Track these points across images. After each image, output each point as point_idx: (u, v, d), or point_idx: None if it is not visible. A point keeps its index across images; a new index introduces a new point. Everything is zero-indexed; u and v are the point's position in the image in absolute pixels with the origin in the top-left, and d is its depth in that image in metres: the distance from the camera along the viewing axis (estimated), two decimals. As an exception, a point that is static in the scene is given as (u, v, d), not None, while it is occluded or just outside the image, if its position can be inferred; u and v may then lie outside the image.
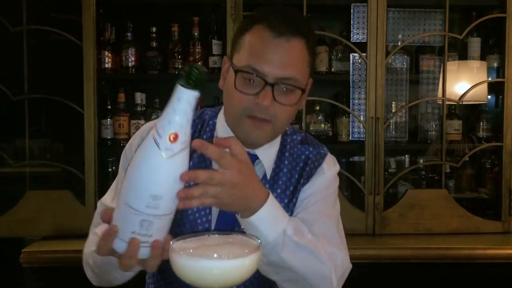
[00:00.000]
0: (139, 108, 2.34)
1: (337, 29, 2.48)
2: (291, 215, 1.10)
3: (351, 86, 2.43)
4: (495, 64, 2.36)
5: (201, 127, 1.18)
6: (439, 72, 2.36)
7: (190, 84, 0.77)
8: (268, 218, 0.94)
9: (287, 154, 1.16)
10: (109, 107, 2.35)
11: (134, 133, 2.30)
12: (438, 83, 2.36)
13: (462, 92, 2.27)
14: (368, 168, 2.23)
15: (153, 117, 2.33)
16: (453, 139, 2.37)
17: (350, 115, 2.37)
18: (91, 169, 2.18)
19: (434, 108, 2.45)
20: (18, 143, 2.38)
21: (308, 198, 1.13)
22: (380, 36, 2.20)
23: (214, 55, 2.32)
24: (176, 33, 2.33)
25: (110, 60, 2.30)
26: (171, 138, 0.77)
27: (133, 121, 2.32)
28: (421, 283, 2.12)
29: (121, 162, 1.19)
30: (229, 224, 1.07)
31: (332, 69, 2.38)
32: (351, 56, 2.38)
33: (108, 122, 2.32)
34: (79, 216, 2.12)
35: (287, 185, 1.13)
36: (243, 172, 0.88)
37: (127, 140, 2.30)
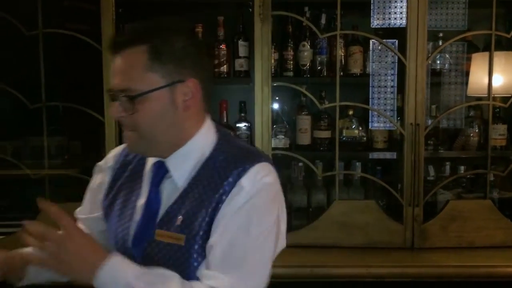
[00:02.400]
0: (161, 114, 2.21)
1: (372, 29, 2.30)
2: (207, 237, 1.03)
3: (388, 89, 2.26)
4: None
5: None
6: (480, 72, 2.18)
7: None
8: (107, 281, 0.95)
9: (206, 169, 1.08)
10: (130, 113, 2.23)
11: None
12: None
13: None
14: (407, 178, 2.08)
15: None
16: (498, 145, 2.20)
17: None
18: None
19: (476, 111, 2.27)
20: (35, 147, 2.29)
21: (224, 217, 1.03)
22: (421, 36, 2.03)
23: (240, 57, 2.18)
24: (200, 34, 2.19)
25: (130, 64, 2.17)
26: None
27: (155, 128, 2.19)
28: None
29: (94, 178, 1.26)
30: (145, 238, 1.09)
31: (367, 71, 2.22)
32: (387, 57, 2.21)
33: (130, 129, 2.20)
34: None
35: (203, 200, 1.05)
36: (68, 248, 0.93)
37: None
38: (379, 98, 2.19)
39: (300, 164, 2.24)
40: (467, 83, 2.23)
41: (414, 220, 2.10)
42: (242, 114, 2.22)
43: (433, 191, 2.14)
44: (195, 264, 1.03)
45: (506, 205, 2.23)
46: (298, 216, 2.27)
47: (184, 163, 1.09)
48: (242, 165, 1.06)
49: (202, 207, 1.04)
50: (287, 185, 2.34)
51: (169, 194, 1.10)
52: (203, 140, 1.11)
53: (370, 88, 2.16)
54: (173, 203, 1.08)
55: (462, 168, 2.20)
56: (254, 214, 1.03)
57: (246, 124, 2.21)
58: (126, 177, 1.19)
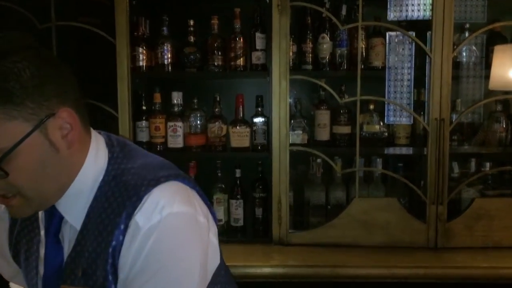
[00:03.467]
0: (176, 109, 2.15)
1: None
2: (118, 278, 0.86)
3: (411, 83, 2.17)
4: None
5: None
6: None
7: None
8: None
9: (98, 202, 0.88)
10: (144, 108, 2.18)
11: (171, 135, 2.15)
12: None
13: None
14: (431, 174, 2.00)
15: (191, 118, 2.15)
16: (526, 141, 2.10)
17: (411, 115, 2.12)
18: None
19: (505, 105, 2.18)
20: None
21: (128, 267, 0.84)
22: (447, 28, 1.94)
23: (257, 49, 2.11)
24: (215, 26, 2.13)
25: (144, 57, 2.12)
26: None
27: (170, 123, 2.14)
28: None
29: None
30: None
31: (389, 64, 2.13)
32: (411, 49, 2.12)
33: (144, 125, 2.15)
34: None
35: (99, 243, 0.86)
36: None
37: (164, 144, 2.16)
38: (395, 92, 2.10)
39: (319, 160, 2.17)
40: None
41: (437, 218, 2.02)
42: (259, 109, 2.15)
43: (458, 189, 2.05)
44: None
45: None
46: (316, 213, 2.21)
47: (76, 203, 0.89)
48: (136, 194, 0.85)
49: (101, 251, 0.85)
50: (304, 182, 2.27)
51: (71, 240, 0.91)
52: (92, 169, 0.89)
53: (387, 81, 2.09)
54: (71, 251, 0.90)
55: (488, 164, 2.11)
56: (163, 260, 0.82)
57: (263, 119, 2.14)
58: (21, 222, 0.99)
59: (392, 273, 1.89)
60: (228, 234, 2.16)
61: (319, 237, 2.06)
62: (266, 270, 1.89)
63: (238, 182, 2.19)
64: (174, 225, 0.84)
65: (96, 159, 0.90)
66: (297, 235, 2.07)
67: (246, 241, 2.11)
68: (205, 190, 0.96)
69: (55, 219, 0.92)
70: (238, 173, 2.19)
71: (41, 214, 0.96)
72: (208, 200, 0.98)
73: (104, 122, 2.07)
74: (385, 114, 2.09)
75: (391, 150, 2.19)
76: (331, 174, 2.22)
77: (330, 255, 1.98)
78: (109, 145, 0.94)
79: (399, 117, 2.09)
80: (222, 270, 1.03)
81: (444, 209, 2.02)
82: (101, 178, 0.90)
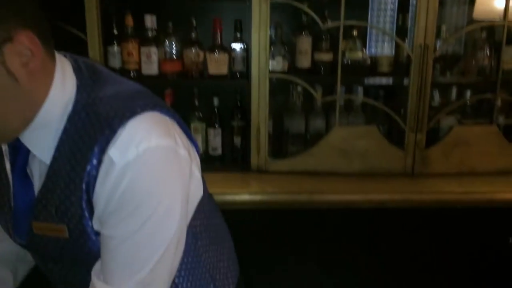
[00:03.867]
0: (149, 33, 2.03)
1: None
2: (91, 224, 0.82)
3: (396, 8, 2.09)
4: None
5: None
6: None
7: None
8: None
9: (68, 135, 0.81)
10: (115, 32, 2.06)
11: (145, 62, 2.05)
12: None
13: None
14: (412, 103, 1.98)
15: (166, 44, 2.04)
16: (509, 69, 2.08)
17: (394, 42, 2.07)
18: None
19: (489, 32, 2.13)
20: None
21: (103, 203, 0.79)
22: None
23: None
24: None
25: (114, -25, 1.97)
26: None
27: (143, 49, 2.03)
28: (467, 229, 1.95)
29: None
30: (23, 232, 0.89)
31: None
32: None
33: (115, 50, 2.04)
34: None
35: (72, 179, 0.80)
36: None
37: (137, 71, 2.06)
38: (379, 17, 2.03)
39: (299, 88, 2.13)
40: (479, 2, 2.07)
41: (416, 146, 2.03)
42: (238, 34, 2.05)
43: (438, 117, 2.05)
44: (93, 238, 0.84)
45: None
46: (295, 142, 2.20)
47: (44, 136, 0.81)
48: (109, 127, 0.77)
49: (74, 188, 0.80)
50: (284, 110, 2.23)
51: (42, 175, 0.84)
52: (59, 99, 0.80)
53: (370, 8, 2.00)
54: (42, 187, 0.84)
55: (469, 93, 2.10)
56: (140, 198, 0.77)
57: (242, 46, 2.05)
58: None
59: (369, 199, 1.92)
60: (206, 163, 2.14)
61: (297, 165, 2.06)
62: (245, 197, 1.90)
63: (216, 110, 2.14)
64: (152, 161, 0.78)
65: (63, 88, 0.81)
66: (275, 163, 2.07)
67: (224, 170, 2.09)
68: (182, 119, 0.90)
69: (21, 153, 0.85)
70: (216, 101, 2.13)
71: (4, 148, 0.89)
72: (189, 130, 0.93)
73: (71, 47, 1.95)
74: (368, 43, 2.03)
75: (372, 80, 2.15)
76: (312, 102, 2.18)
77: (308, 182, 1.99)
78: (77, 70, 0.84)
79: (382, 47, 2.04)
80: (206, 199, 1.00)
81: (423, 136, 2.02)
82: (70, 108, 0.81)
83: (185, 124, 0.91)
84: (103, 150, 0.77)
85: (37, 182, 0.86)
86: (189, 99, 2.14)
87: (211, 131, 2.14)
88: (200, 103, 2.15)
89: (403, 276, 1.98)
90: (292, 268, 1.97)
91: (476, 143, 2.04)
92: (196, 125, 2.12)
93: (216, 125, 2.13)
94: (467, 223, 1.94)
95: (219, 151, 2.16)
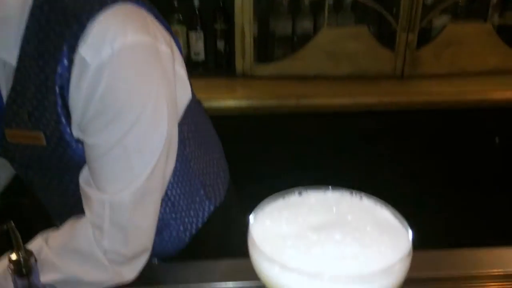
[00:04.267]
0: None
1: None
2: (70, 131, 0.76)
3: None
4: None
5: None
6: None
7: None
8: None
9: (32, 32, 0.72)
10: None
11: None
12: None
13: None
14: (405, 0, 1.87)
15: None
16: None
17: None
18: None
19: None
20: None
21: (81, 111, 0.73)
22: None
23: None
24: None
25: None
26: None
27: None
28: (455, 130, 1.94)
29: None
30: None
31: None
32: None
33: None
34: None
35: (42, 82, 0.73)
36: None
37: None
38: None
39: (285, -14, 1.99)
40: None
41: (407, 46, 1.95)
42: None
43: (431, 15, 1.95)
44: (73, 146, 0.79)
45: (506, 30, 2.08)
46: (282, 45, 2.10)
47: (5, 34, 0.73)
48: (77, 22, 0.68)
49: (46, 92, 0.73)
50: (269, 11, 2.10)
51: (9, 78, 0.77)
52: None
53: None
54: (10, 91, 0.77)
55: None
56: (122, 100, 0.71)
57: None
58: None
59: (356, 102, 1.88)
60: (188, 69, 2.03)
61: (284, 69, 1.98)
62: (230, 103, 1.84)
63: (197, 12, 2.00)
64: (129, 59, 0.70)
65: None
66: (261, 67, 1.99)
67: (208, 75, 2.01)
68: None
69: None
70: (196, 2, 1.99)
71: None
72: (168, 25, 0.84)
73: None
74: None
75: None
76: (299, 2, 2.05)
77: (295, 86, 1.93)
78: None
79: None
80: (193, 103, 0.94)
81: (415, 36, 1.94)
82: (30, 0, 0.72)
83: (164, 19, 0.82)
84: (72, 48, 0.69)
85: (4, 86, 0.79)
86: (168, 0, 2.00)
87: (192, 35, 2.02)
88: (180, 4, 2.00)
89: (390, 178, 1.99)
90: (281, 173, 1.97)
91: (469, 43, 1.98)
92: (176, 28, 2.00)
93: (198, 28, 2.01)
94: (456, 125, 1.92)
95: (202, 56, 2.06)
